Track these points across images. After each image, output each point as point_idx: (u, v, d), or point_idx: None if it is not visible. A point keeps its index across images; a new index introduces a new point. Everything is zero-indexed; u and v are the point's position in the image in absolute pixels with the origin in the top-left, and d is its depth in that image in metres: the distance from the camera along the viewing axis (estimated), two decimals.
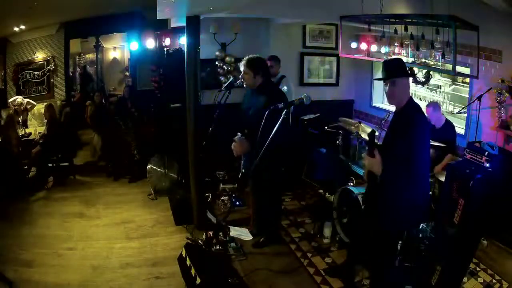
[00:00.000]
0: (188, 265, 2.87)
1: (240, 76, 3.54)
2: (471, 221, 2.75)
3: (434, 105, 4.15)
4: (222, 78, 5.50)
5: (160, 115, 6.24)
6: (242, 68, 3.49)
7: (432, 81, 5.20)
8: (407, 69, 2.66)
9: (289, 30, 6.02)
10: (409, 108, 2.56)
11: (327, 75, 6.43)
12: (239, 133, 3.47)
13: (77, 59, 10.75)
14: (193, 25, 3.79)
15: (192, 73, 3.85)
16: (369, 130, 4.10)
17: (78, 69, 10.81)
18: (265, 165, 2.89)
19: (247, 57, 3.49)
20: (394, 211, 2.57)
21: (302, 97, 2.82)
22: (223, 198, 4.87)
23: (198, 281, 2.66)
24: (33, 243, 3.84)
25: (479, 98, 4.11)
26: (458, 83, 5.11)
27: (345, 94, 6.58)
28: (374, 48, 4.70)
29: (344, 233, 3.81)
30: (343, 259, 3.42)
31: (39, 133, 6.21)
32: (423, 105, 5.23)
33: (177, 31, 5.73)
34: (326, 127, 4.69)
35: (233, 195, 4.88)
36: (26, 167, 5.64)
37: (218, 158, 4.39)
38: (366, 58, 4.94)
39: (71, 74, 9.07)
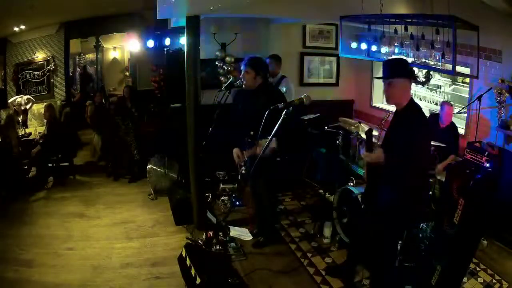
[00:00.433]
0: (188, 265, 2.87)
1: (240, 76, 3.54)
2: (471, 221, 2.75)
3: (451, 104, 4.16)
4: (222, 78, 5.49)
5: (160, 115, 6.24)
6: (243, 68, 3.49)
7: (432, 81, 5.20)
8: (411, 71, 2.61)
9: (289, 30, 6.02)
10: (409, 109, 2.55)
11: (327, 75, 6.43)
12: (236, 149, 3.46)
13: (77, 59, 10.74)
14: (193, 25, 3.79)
15: (192, 73, 3.85)
16: None
17: (78, 69, 10.80)
18: (265, 164, 2.89)
19: (249, 57, 3.49)
20: (394, 211, 2.57)
21: (302, 97, 2.82)
22: (223, 198, 4.87)
23: (198, 281, 2.66)
24: (33, 243, 3.84)
25: (479, 98, 4.11)
26: (458, 83, 5.11)
27: (345, 94, 6.58)
28: (374, 48, 4.70)
29: (344, 233, 3.81)
30: (343, 259, 3.43)
31: (39, 133, 6.21)
32: (423, 105, 5.24)
33: (177, 31, 5.73)
34: (326, 127, 4.68)
35: (233, 195, 4.87)
36: (26, 167, 5.64)
37: (218, 158, 4.39)
38: (366, 58, 4.94)
39: (71, 74, 9.07)
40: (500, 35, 3.89)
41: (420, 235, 3.35)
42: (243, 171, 3.60)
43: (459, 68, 3.84)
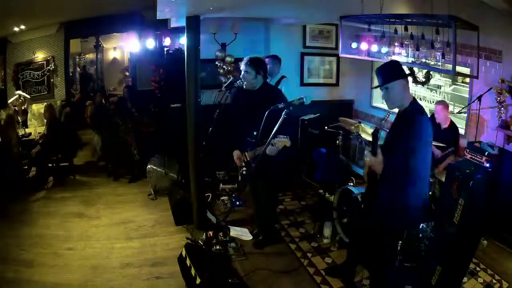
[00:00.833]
0: (188, 265, 2.87)
1: (240, 76, 3.54)
2: (471, 221, 2.75)
3: (445, 104, 4.16)
4: (222, 78, 5.49)
5: (160, 115, 6.24)
6: (243, 68, 3.49)
7: (432, 81, 5.19)
8: (403, 70, 2.61)
9: (289, 30, 6.01)
10: (411, 109, 2.55)
11: (327, 75, 6.42)
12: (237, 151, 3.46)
13: (77, 59, 10.76)
14: (193, 25, 3.79)
15: (192, 73, 3.85)
16: (369, 130, 4.12)
17: (78, 69, 10.81)
18: (265, 164, 2.89)
19: (248, 57, 3.49)
20: (394, 211, 2.56)
21: (302, 97, 2.82)
22: (223, 198, 4.87)
23: (198, 281, 2.66)
24: (33, 243, 3.84)
25: (479, 98, 4.11)
26: (458, 83, 5.10)
27: (345, 94, 6.58)
28: (374, 48, 4.70)
29: (344, 233, 3.82)
30: (343, 259, 3.42)
31: (39, 133, 6.21)
32: (423, 105, 5.24)
33: (177, 31, 5.72)
34: (326, 127, 4.69)
35: (233, 195, 4.87)
36: (26, 167, 5.64)
37: (218, 158, 4.39)
38: (366, 58, 4.94)
39: (71, 74, 9.07)
40: (500, 35, 3.89)
41: (420, 235, 3.35)
42: (244, 172, 3.60)
43: (459, 68, 3.84)
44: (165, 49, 6.06)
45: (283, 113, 2.64)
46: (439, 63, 3.59)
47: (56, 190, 5.35)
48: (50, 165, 5.69)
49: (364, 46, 4.85)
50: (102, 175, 5.96)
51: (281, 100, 3.20)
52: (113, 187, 5.54)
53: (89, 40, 10.27)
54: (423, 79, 5.14)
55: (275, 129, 2.64)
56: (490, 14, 3.53)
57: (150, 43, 6.05)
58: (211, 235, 3.63)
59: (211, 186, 4.99)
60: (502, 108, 4.04)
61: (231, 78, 3.99)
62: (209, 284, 2.62)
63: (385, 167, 2.44)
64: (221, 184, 5.17)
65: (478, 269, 3.39)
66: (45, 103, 6.18)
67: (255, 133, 3.42)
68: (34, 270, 3.37)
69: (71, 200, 5.00)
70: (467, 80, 4.71)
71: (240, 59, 3.61)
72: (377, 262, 2.84)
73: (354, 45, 5.15)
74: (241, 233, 3.50)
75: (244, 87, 3.53)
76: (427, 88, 5.39)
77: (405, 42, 3.87)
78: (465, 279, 3.13)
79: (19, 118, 6.55)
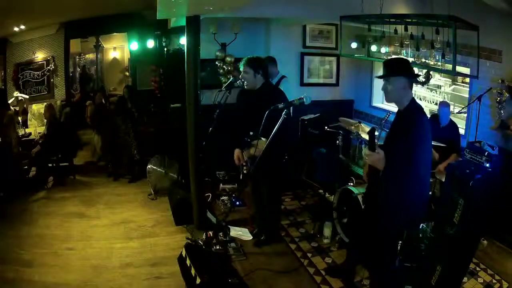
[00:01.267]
0: (188, 265, 2.86)
1: (240, 76, 3.54)
2: (471, 221, 2.75)
3: (447, 104, 4.17)
4: (222, 78, 5.49)
5: (160, 115, 6.24)
6: (242, 68, 3.50)
7: (432, 81, 5.19)
8: (410, 70, 2.62)
9: (289, 30, 6.01)
10: (410, 109, 2.55)
11: (327, 75, 6.42)
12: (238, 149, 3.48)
13: (77, 59, 10.75)
14: (193, 25, 3.79)
15: (192, 73, 3.85)
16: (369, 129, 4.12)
17: (78, 69, 10.81)
18: (265, 164, 2.89)
19: (246, 57, 3.50)
20: (394, 211, 2.56)
21: (302, 97, 2.82)
22: (223, 198, 4.87)
23: (198, 281, 2.66)
24: (33, 243, 3.84)
25: (479, 98, 4.11)
26: (458, 83, 5.10)
27: (345, 94, 6.58)
28: (374, 48, 4.70)
29: (344, 233, 3.81)
30: (343, 259, 3.42)
31: (39, 133, 6.22)
32: (423, 105, 5.24)
33: (177, 31, 5.73)
34: (326, 127, 4.68)
35: (233, 195, 4.87)
36: (26, 167, 5.64)
37: (218, 158, 4.39)
38: (366, 58, 4.94)
39: (71, 74, 9.07)
40: (500, 35, 3.89)
41: (420, 235, 3.35)
42: (245, 171, 3.60)
43: (459, 68, 3.84)
44: (165, 49, 6.06)
45: (283, 113, 2.64)
46: (439, 63, 3.60)
47: (56, 190, 5.35)
48: (50, 165, 5.69)
49: (364, 46, 4.86)
50: (102, 175, 5.96)
51: (280, 99, 3.20)
52: (113, 187, 5.54)
53: (89, 40, 10.28)
54: (423, 79, 5.13)
55: (275, 129, 2.64)
56: (490, 14, 3.53)
57: (150, 43, 6.06)
58: (211, 235, 3.63)
59: (211, 186, 4.99)
60: (502, 108, 4.04)
61: (231, 78, 3.98)
62: (209, 284, 2.62)
63: (385, 166, 2.44)
64: (221, 184, 5.17)
65: (478, 269, 3.39)
66: (45, 103, 6.18)
67: (251, 133, 3.43)
68: (34, 270, 3.37)
69: (71, 200, 5.00)
70: (467, 80, 4.71)
71: (240, 59, 3.61)
72: (377, 262, 2.84)
73: (354, 45, 5.15)
74: (241, 233, 3.51)
75: (245, 87, 3.54)
76: (427, 88, 5.39)
77: (405, 42, 3.88)
78: (465, 279, 3.13)
79: (19, 118, 6.56)
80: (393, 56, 3.73)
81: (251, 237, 3.63)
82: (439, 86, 5.34)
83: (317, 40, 6.20)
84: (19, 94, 6.84)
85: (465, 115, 4.58)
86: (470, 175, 2.74)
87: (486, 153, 2.82)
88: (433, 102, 5.41)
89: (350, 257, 3.28)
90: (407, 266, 3.13)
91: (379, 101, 6.30)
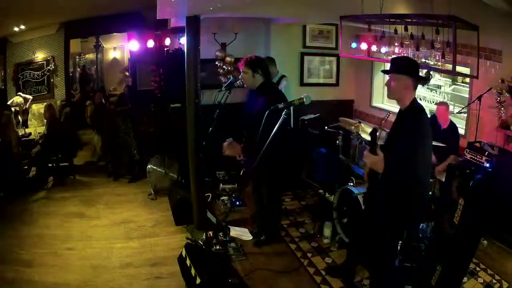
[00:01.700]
0: (188, 265, 2.87)
1: (240, 76, 3.55)
2: (471, 221, 2.75)
3: (447, 105, 4.17)
4: (222, 78, 5.49)
5: (160, 115, 6.24)
6: (240, 68, 3.50)
7: (432, 81, 5.19)
8: (415, 71, 2.61)
9: (289, 30, 6.01)
10: (412, 109, 2.55)
11: (327, 75, 6.42)
12: (230, 138, 3.47)
13: (77, 59, 10.75)
14: (193, 25, 3.79)
15: (192, 73, 3.85)
16: (369, 130, 4.12)
17: (78, 69, 10.81)
18: (265, 165, 2.89)
19: (245, 57, 3.50)
20: (395, 211, 2.57)
21: (302, 97, 2.82)
22: (223, 198, 4.87)
23: (198, 281, 2.66)
24: (33, 243, 3.84)
25: (479, 98, 4.11)
26: (458, 83, 5.11)
27: (345, 94, 6.58)
28: (374, 48, 4.70)
29: (344, 233, 3.81)
30: (343, 259, 3.42)
31: (39, 133, 6.23)
32: (423, 105, 5.24)
33: (177, 31, 5.73)
34: (326, 127, 4.68)
35: (233, 195, 4.87)
36: (26, 167, 5.64)
37: (218, 158, 4.40)
38: (366, 58, 4.94)
39: (71, 74, 9.07)
40: (500, 35, 3.89)
41: (420, 235, 3.35)
42: (244, 170, 3.61)
43: (459, 68, 3.84)
44: (165, 49, 6.06)
45: (283, 113, 2.64)
46: (439, 63, 3.59)
47: (56, 190, 5.35)
48: (50, 165, 5.69)
49: (364, 46, 4.86)
50: (102, 175, 5.96)
51: (274, 98, 3.19)
52: (113, 187, 5.53)
53: (89, 40, 10.28)
54: (425, 76, 5.13)
55: (275, 129, 2.63)
56: (490, 14, 3.53)
57: (150, 43, 6.05)
58: (211, 235, 3.63)
59: (211, 186, 4.99)
60: (502, 108, 4.04)
61: (231, 78, 3.98)
62: (209, 284, 2.62)
63: (386, 166, 2.44)
64: (221, 184, 5.17)
65: (478, 269, 3.39)
66: (45, 103, 6.19)
67: (245, 132, 3.44)
68: (34, 270, 3.37)
69: (71, 200, 5.00)
70: (467, 80, 4.71)
71: (240, 59, 3.61)
72: (377, 262, 2.84)
73: (354, 45, 5.15)
74: (241, 233, 3.50)
75: (245, 86, 3.54)
76: (427, 88, 5.39)
77: (405, 42, 3.87)
78: (465, 279, 3.13)
79: (19, 118, 6.56)
80: (404, 54, 3.73)
81: (251, 237, 3.63)
82: (439, 86, 5.34)
83: (317, 40, 6.20)
84: (22, 95, 6.84)
85: (465, 115, 4.58)
86: (470, 175, 2.74)
87: (486, 153, 2.82)
88: (433, 102, 5.42)
89: (350, 257, 3.28)
90: (407, 266, 3.13)
91: (379, 101, 6.30)
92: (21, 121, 6.59)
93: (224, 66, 5.51)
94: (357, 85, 6.57)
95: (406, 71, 2.54)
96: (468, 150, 3.07)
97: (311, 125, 5.39)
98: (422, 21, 3.54)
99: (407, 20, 3.70)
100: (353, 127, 4.28)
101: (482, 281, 3.24)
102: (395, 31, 3.88)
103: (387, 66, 2.73)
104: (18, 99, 6.83)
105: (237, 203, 4.69)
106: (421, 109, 2.58)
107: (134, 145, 5.74)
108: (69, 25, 7.55)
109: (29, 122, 6.83)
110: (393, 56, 2.77)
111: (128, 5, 6.64)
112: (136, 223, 4.36)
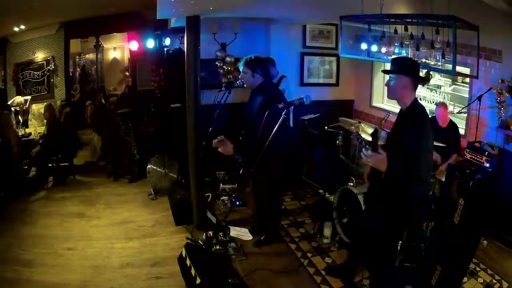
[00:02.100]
0: (188, 265, 2.87)
1: (239, 76, 3.55)
2: (471, 221, 2.75)
3: (445, 105, 4.18)
4: (222, 78, 5.49)
5: (160, 115, 6.24)
6: (240, 68, 3.50)
7: (432, 81, 5.19)
8: (415, 71, 2.61)
9: (289, 30, 6.01)
10: (412, 109, 2.56)
11: (327, 75, 6.42)
12: (222, 136, 3.46)
13: (77, 59, 10.75)
14: (193, 25, 3.79)
15: (192, 73, 3.85)
16: (369, 130, 4.12)
17: (78, 69, 10.81)
18: (264, 164, 2.89)
19: (245, 57, 3.50)
20: (395, 211, 2.57)
21: (302, 97, 2.82)
22: (223, 198, 4.87)
23: (198, 281, 2.66)
24: (33, 243, 3.84)
25: (479, 98, 4.11)
26: (458, 83, 5.11)
27: (345, 94, 6.58)
28: (374, 48, 4.70)
29: (344, 233, 3.81)
30: (343, 259, 3.43)
31: (39, 133, 6.22)
32: (423, 105, 5.24)
33: (177, 31, 5.73)
34: (326, 127, 4.68)
35: (233, 195, 4.87)
36: (26, 167, 5.64)
37: (218, 158, 4.40)
38: (366, 58, 4.94)
39: (71, 74, 9.07)
40: (500, 35, 3.89)
41: (420, 235, 3.34)
42: (244, 170, 3.61)
43: (459, 68, 3.84)
44: (165, 49, 6.05)
45: (283, 113, 2.64)
46: (439, 63, 3.59)
47: (56, 190, 5.35)
48: (50, 165, 5.69)
49: (364, 46, 4.85)
50: (102, 175, 5.96)
51: (273, 98, 3.19)
52: (113, 187, 5.53)
53: (89, 40, 10.27)
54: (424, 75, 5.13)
55: (275, 129, 2.64)
56: (490, 14, 3.52)
57: (150, 43, 6.05)
58: (211, 235, 3.63)
59: (211, 186, 4.99)
60: (502, 108, 4.04)
61: (231, 78, 3.99)
62: (209, 284, 2.62)
63: (388, 166, 2.44)
64: (221, 184, 5.17)
65: (478, 269, 3.39)
66: (45, 103, 6.18)
67: (243, 132, 3.43)
68: (34, 270, 3.37)
69: (71, 200, 5.00)
70: (467, 80, 4.71)
71: (240, 59, 3.61)
72: (377, 262, 2.84)
73: (354, 45, 5.15)
74: (241, 233, 3.51)
75: (245, 86, 3.54)
76: (427, 88, 5.39)
77: (405, 42, 3.87)
78: (465, 279, 3.13)
79: (19, 118, 6.56)
80: (404, 55, 3.73)
81: (251, 237, 3.63)
82: (439, 86, 5.34)
83: (317, 40, 6.20)
84: (22, 98, 6.85)
85: (465, 115, 4.58)
86: (470, 175, 2.74)
87: (486, 153, 2.82)
88: (433, 102, 5.42)
89: (350, 257, 3.28)
90: (407, 266, 3.12)
91: (379, 101, 6.30)
92: (21, 121, 6.58)
93: (224, 66, 5.52)
94: (357, 85, 6.57)
95: (406, 71, 2.55)
96: (468, 150, 3.07)
97: (311, 125, 5.39)
98: (422, 21, 3.54)
99: (407, 20, 3.70)
100: (353, 127, 4.28)
101: (482, 281, 3.24)
102: (395, 31, 3.88)
103: (387, 66, 2.73)
104: (18, 99, 6.83)
105: (237, 203, 4.69)
106: (422, 108, 2.58)
107: (134, 145, 5.74)
108: (69, 25, 7.55)
109: (29, 122, 6.83)
110: (393, 56, 2.76)
111: (128, 5, 6.64)
112: (136, 223, 4.36)
